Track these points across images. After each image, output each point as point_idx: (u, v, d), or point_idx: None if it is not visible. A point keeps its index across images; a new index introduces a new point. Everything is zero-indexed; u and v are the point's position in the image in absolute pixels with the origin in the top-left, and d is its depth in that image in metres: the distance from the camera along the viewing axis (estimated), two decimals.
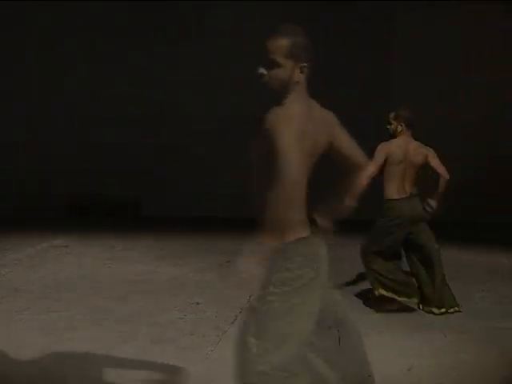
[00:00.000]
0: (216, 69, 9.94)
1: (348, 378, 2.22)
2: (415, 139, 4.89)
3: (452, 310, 4.83)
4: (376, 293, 4.88)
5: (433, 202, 4.85)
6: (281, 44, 2.18)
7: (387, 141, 4.89)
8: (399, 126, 4.83)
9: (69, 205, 10.03)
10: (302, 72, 2.22)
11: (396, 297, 4.86)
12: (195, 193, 10.03)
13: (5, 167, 9.74)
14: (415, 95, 9.10)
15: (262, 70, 2.22)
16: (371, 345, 4.03)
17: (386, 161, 4.81)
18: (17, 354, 3.71)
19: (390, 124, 4.87)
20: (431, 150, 4.89)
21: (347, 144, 2.34)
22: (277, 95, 2.22)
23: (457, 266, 6.39)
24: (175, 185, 10.16)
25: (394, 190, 4.83)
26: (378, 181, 4.81)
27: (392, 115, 4.88)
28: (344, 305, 2.40)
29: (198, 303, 5.03)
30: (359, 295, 5.28)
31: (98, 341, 4.05)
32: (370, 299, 5.06)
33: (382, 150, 4.80)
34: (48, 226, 8.67)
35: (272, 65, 2.19)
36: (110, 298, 5.15)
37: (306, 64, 2.22)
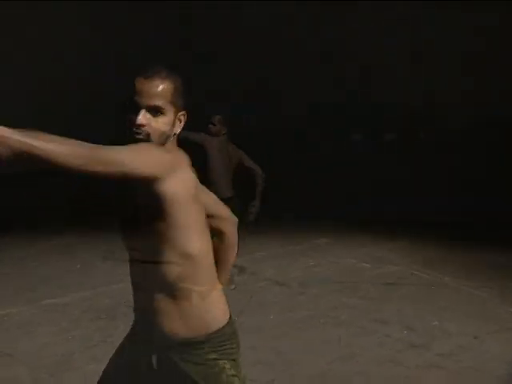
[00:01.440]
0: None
1: None
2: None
3: None
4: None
5: (256, 202, 5.14)
6: (167, 87, 1.76)
7: None
8: (223, 129, 5.22)
9: (69, 204, 10.02)
10: (180, 121, 1.82)
11: None
12: None
13: (5, 167, 9.74)
14: None
15: (141, 120, 1.71)
16: (372, 343, 4.06)
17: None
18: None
19: (214, 125, 5.19)
20: (242, 152, 5.27)
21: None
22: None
23: (457, 266, 6.40)
24: None
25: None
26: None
27: (218, 118, 5.23)
28: None
29: None
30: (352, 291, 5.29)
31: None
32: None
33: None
34: (48, 225, 8.66)
35: (154, 112, 1.74)
36: (110, 297, 5.16)
37: (184, 112, 1.83)
